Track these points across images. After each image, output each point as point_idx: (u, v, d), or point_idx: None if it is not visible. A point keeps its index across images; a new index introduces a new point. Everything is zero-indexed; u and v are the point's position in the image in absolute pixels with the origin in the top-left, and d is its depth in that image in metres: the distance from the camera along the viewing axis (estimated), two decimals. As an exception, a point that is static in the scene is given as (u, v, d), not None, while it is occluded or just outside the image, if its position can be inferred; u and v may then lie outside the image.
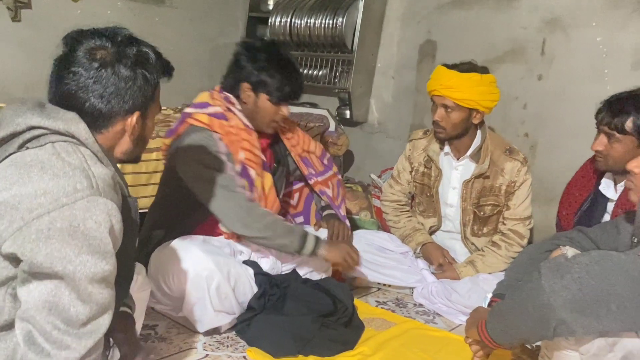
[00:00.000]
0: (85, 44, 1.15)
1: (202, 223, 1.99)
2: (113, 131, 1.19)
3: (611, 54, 2.71)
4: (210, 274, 1.77)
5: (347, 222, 2.25)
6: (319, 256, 1.96)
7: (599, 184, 2.04)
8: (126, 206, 1.20)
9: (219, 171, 1.86)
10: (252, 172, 1.96)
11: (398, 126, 3.61)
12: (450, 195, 2.41)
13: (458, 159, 2.39)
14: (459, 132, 2.29)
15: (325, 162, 2.31)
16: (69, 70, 1.14)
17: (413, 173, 2.51)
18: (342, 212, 2.27)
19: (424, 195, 2.49)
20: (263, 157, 2.03)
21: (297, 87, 2.00)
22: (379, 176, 3.39)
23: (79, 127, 1.14)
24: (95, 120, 1.16)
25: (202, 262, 1.77)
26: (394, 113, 3.64)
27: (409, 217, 2.54)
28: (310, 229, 2.22)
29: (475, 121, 2.28)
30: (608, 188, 2.01)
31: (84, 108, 1.15)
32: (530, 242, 2.41)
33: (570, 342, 1.30)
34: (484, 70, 2.24)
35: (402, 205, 2.57)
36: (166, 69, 1.27)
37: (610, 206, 1.98)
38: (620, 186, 1.96)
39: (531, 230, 2.42)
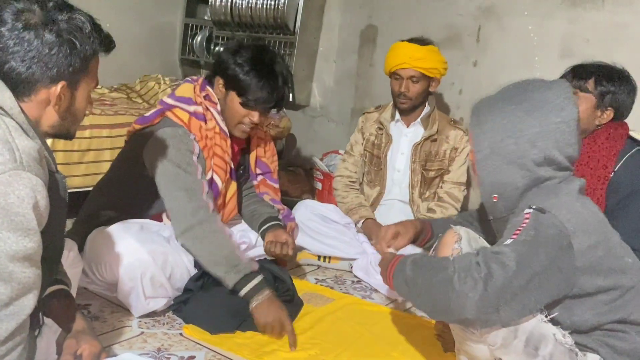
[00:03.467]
0: (14, 4, 1.11)
1: (154, 212, 1.94)
2: (37, 100, 1.14)
3: (541, 42, 2.83)
4: (144, 265, 1.72)
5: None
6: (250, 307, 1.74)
7: None
8: (53, 182, 1.15)
9: (186, 172, 1.79)
10: (219, 181, 1.91)
11: (340, 110, 3.65)
12: (399, 160, 2.58)
13: (408, 126, 2.57)
14: (420, 101, 2.52)
15: (275, 177, 2.27)
16: None
17: (364, 143, 2.64)
18: (283, 211, 2.22)
19: (373, 164, 2.61)
20: (232, 165, 1.99)
21: (269, 95, 1.86)
22: (321, 159, 3.42)
23: (4, 96, 1.09)
24: (17, 86, 1.11)
25: (136, 253, 1.72)
26: (336, 97, 3.67)
27: (357, 194, 2.63)
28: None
29: (432, 89, 2.53)
30: None
31: (3, 70, 1.10)
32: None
33: (475, 335, 1.36)
34: (432, 43, 2.51)
35: (353, 182, 2.66)
36: (105, 43, 1.21)
37: None
38: None
39: (466, 199, 2.57)
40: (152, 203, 1.92)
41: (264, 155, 2.20)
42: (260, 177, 2.21)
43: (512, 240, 1.28)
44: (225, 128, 1.93)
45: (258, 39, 3.73)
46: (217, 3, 3.76)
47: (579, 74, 1.97)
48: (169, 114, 1.87)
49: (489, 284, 1.21)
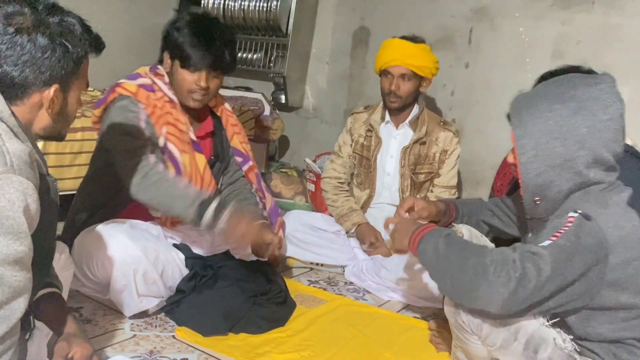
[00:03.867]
0: (3, 9, 1.10)
1: (128, 205, 1.92)
2: (29, 103, 1.14)
3: (533, 43, 2.85)
4: (137, 261, 1.72)
5: (280, 212, 2.24)
6: (219, 230, 1.73)
7: None
8: (44, 185, 1.15)
9: (132, 136, 1.80)
10: (174, 148, 1.90)
11: (333, 112, 3.66)
12: (389, 163, 2.54)
13: (397, 128, 2.53)
14: (410, 100, 2.47)
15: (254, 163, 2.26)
16: None
17: (353, 145, 2.60)
18: (269, 203, 2.22)
19: (362, 166, 2.58)
20: (192, 136, 1.97)
21: (207, 53, 1.85)
22: (314, 161, 3.43)
23: None
24: (9, 90, 1.11)
25: (128, 249, 1.73)
26: (329, 99, 3.67)
27: (347, 197, 2.60)
28: None
29: (422, 89, 2.49)
30: None
31: None
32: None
33: (474, 336, 1.38)
34: (424, 41, 2.48)
35: (342, 183, 2.63)
36: (94, 44, 1.21)
37: None
38: None
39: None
40: (124, 194, 1.90)
41: (244, 141, 2.21)
42: (246, 166, 2.20)
43: (551, 242, 1.25)
44: (173, 97, 1.94)
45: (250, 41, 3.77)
46: (210, 5, 3.76)
47: None
48: (117, 89, 1.89)
49: (521, 285, 1.20)
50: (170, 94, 1.94)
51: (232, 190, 2.19)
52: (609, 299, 1.28)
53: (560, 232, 1.26)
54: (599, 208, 1.29)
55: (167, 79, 1.95)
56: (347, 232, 2.50)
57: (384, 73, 2.45)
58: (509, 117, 1.43)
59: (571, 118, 1.31)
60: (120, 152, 1.81)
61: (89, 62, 1.24)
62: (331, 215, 2.60)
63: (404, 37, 2.43)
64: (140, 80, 1.92)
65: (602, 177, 1.33)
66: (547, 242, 1.26)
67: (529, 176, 1.36)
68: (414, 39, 2.43)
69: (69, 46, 1.14)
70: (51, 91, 1.14)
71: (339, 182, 2.62)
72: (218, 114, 2.13)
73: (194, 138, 1.98)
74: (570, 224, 1.26)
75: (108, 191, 1.92)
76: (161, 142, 1.87)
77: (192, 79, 1.88)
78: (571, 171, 1.32)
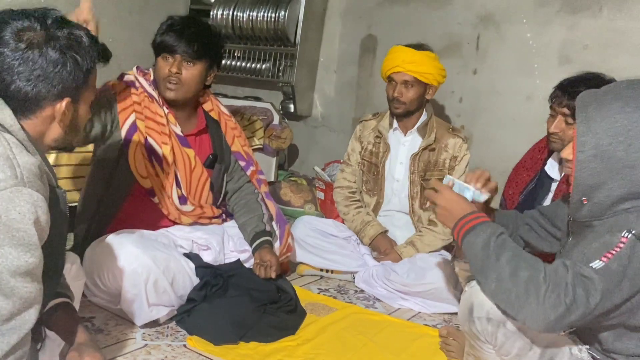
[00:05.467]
0: (12, 24, 1.11)
1: (115, 216, 1.97)
2: (42, 117, 1.15)
3: (540, 49, 2.84)
4: (147, 270, 1.74)
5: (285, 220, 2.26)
6: None
7: (545, 164, 2.11)
8: (54, 197, 1.17)
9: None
10: (153, 142, 1.95)
11: (341, 120, 3.67)
12: (398, 169, 2.53)
13: (405, 135, 2.53)
14: (415, 107, 2.47)
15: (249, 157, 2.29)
16: None
17: (362, 152, 2.60)
18: (272, 211, 2.21)
19: (371, 173, 2.58)
20: (177, 131, 2.02)
21: (176, 38, 1.93)
22: (323, 169, 3.44)
23: (4, 114, 1.10)
24: (22, 105, 1.12)
25: (138, 259, 1.75)
26: (337, 107, 3.69)
27: (357, 208, 2.57)
28: None
29: (429, 97, 2.49)
30: (553, 169, 2.08)
31: (9, 90, 1.10)
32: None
33: (489, 345, 1.36)
34: (430, 49, 2.47)
35: (353, 192, 2.61)
36: (102, 54, 1.23)
37: (554, 186, 2.06)
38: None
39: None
40: (120, 197, 1.96)
41: (245, 144, 2.24)
42: (249, 170, 2.22)
43: (603, 264, 1.21)
44: (153, 92, 2.01)
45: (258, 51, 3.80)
46: (219, 16, 3.80)
47: (573, 94, 1.87)
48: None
49: (569, 311, 1.19)
50: (150, 89, 2.00)
51: (238, 199, 2.21)
52: None
53: (612, 253, 1.21)
54: None
55: (152, 77, 2.02)
56: (361, 241, 2.50)
57: (388, 79, 2.47)
58: (574, 112, 1.37)
59: None
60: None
61: (98, 73, 1.25)
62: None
63: (409, 45, 2.44)
64: (125, 78, 2.01)
65: None
66: (598, 264, 1.22)
67: (583, 175, 1.30)
68: (419, 47, 2.43)
69: (79, 58, 1.16)
70: (63, 104, 1.16)
71: (349, 192, 2.61)
72: (215, 117, 2.16)
73: (179, 133, 2.03)
74: (622, 245, 1.21)
75: (97, 200, 1.97)
76: (123, 133, 1.92)
77: (166, 66, 1.95)
78: (627, 178, 1.25)
